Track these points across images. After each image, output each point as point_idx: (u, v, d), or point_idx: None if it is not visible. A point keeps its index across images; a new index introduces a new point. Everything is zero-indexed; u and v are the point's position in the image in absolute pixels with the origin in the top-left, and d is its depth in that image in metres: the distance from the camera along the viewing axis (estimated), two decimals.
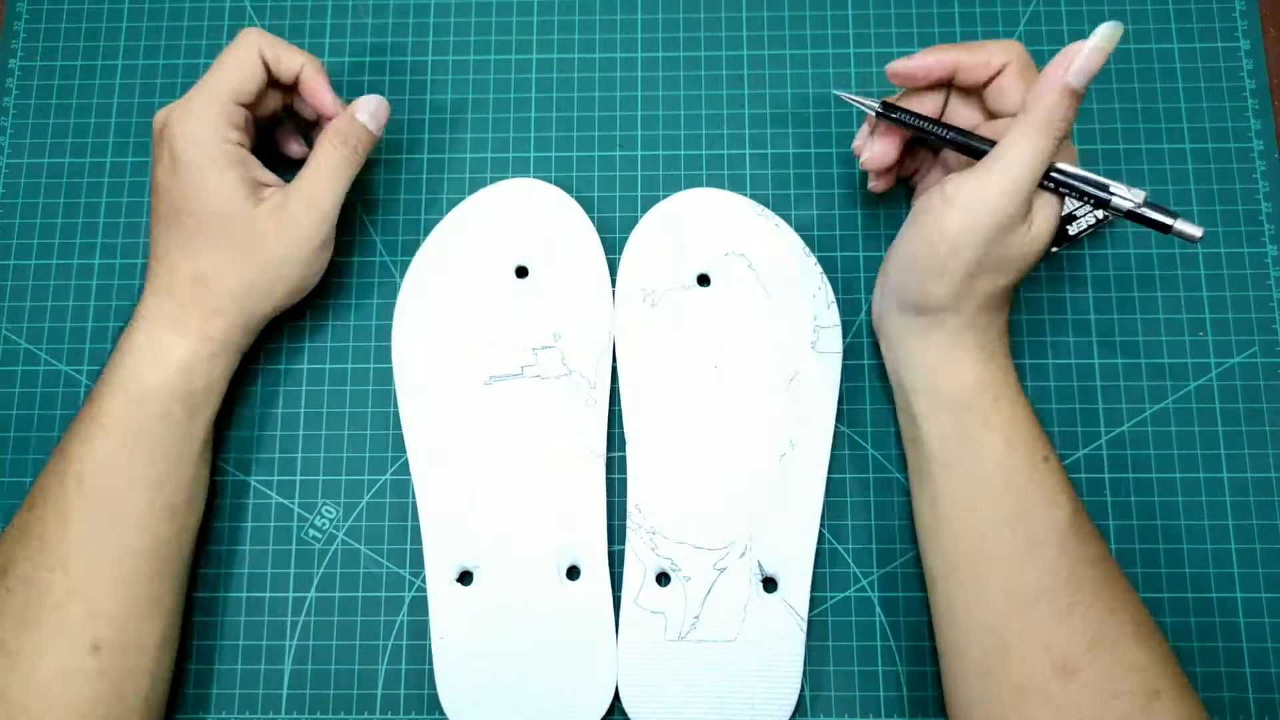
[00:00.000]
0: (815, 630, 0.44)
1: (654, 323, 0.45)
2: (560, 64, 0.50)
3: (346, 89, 0.50)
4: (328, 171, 0.42)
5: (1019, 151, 0.37)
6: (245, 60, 0.42)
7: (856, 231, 0.48)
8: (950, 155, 0.43)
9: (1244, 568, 0.44)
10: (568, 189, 0.47)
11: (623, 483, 0.45)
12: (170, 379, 0.40)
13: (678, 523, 0.43)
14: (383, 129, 0.44)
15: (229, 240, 0.41)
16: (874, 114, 0.42)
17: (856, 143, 0.44)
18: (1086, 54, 0.36)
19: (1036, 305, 0.47)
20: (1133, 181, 0.48)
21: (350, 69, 0.50)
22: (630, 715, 0.42)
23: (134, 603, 0.39)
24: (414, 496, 0.44)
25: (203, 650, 0.44)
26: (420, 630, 0.44)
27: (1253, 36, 0.50)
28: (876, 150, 0.43)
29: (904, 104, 0.42)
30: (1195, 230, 0.37)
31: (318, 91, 0.44)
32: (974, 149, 0.40)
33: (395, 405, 0.45)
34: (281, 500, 0.46)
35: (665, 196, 0.47)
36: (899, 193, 0.48)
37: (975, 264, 0.38)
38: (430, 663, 0.43)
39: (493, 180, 0.48)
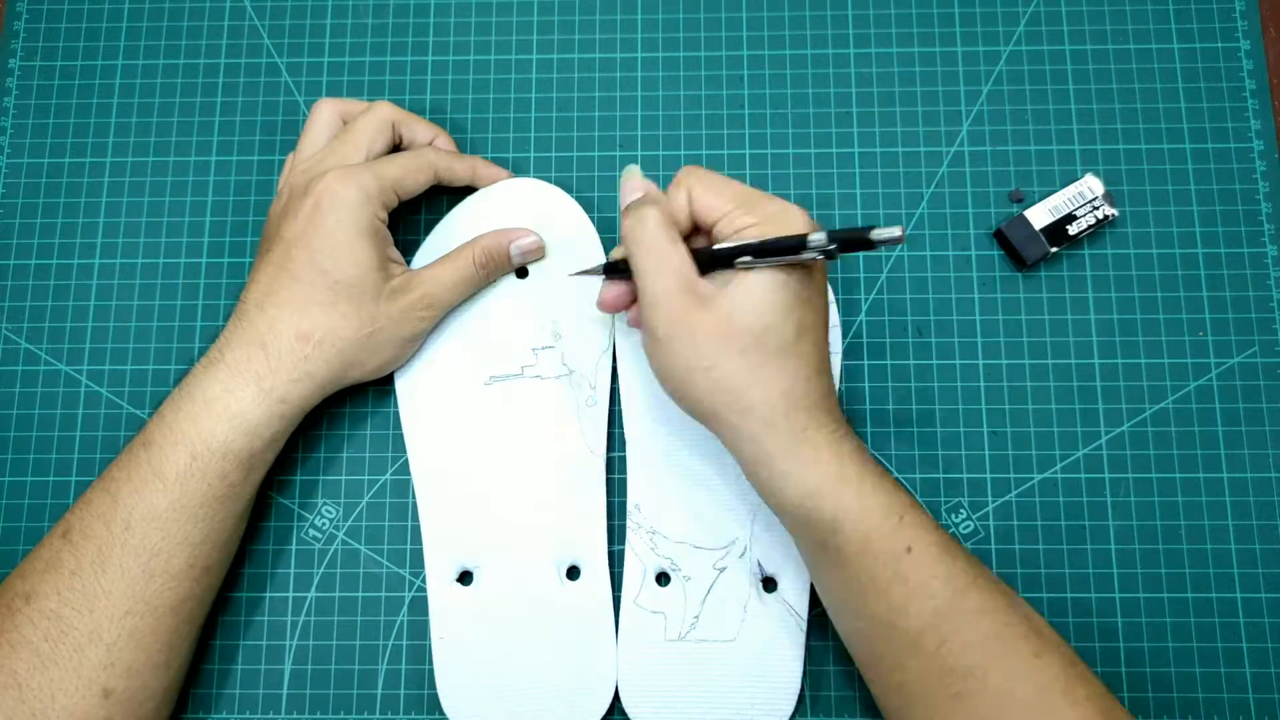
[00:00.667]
0: (815, 630, 0.44)
1: None
2: (560, 64, 0.50)
3: (346, 89, 0.50)
4: (457, 282, 0.44)
5: (637, 280, 0.38)
6: (420, 173, 0.44)
7: None
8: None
9: (1244, 568, 0.44)
10: (568, 189, 0.47)
11: (623, 483, 0.45)
12: (237, 440, 0.39)
13: (678, 522, 0.43)
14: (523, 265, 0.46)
15: (350, 309, 0.41)
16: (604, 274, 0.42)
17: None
18: (621, 189, 0.40)
19: (1036, 305, 0.47)
20: (1133, 181, 0.48)
21: (350, 69, 0.50)
22: (630, 715, 0.42)
23: (150, 656, 0.39)
24: (414, 496, 0.44)
25: (203, 650, 0.44)
26: (420, 630, 0.44)
27: (1253, 36, 0.50)
28: (608, 296, 0.42)
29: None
30: (894, 230, 0.34)
31: (493, 176, 0.47)
32: (780, 250, 0.36)
33: (395, 405, 0.45)
34: (281, 500, 0.46)
35: None
36: (901, 192, 0.48)
37: (698, 371, 0.36)
38: (430, 663, 0.43)
39: None
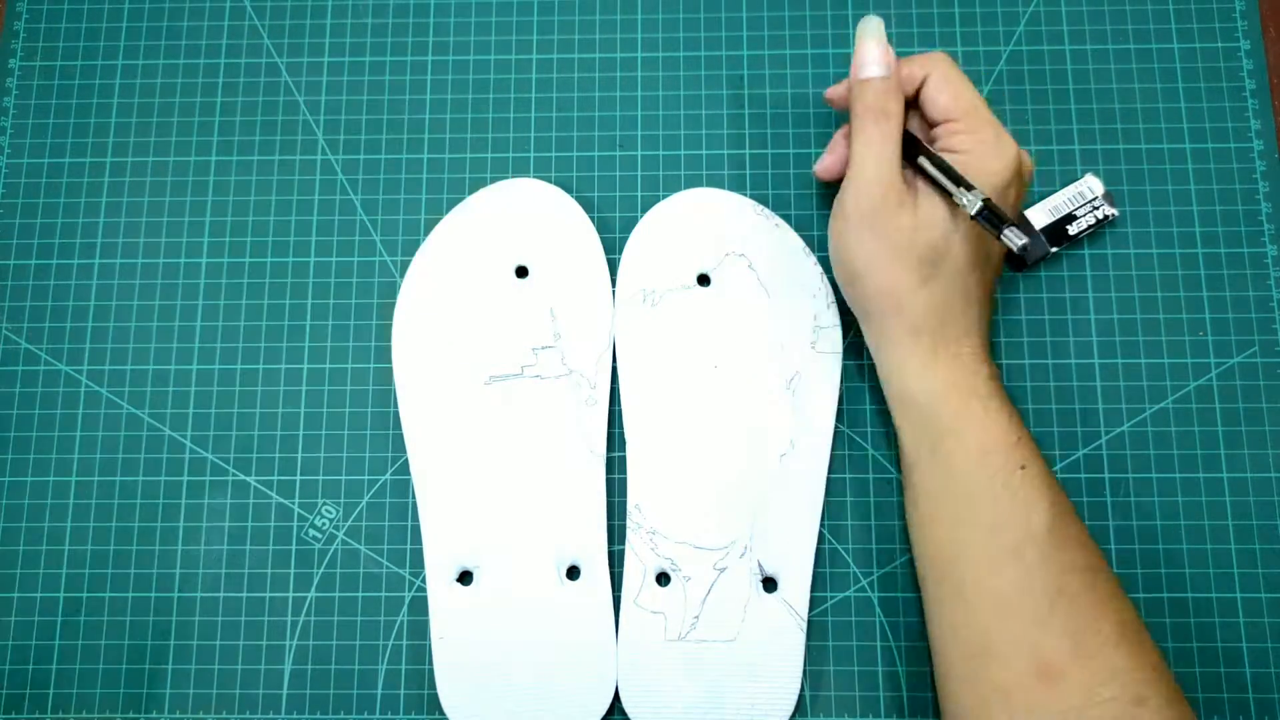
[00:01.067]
0: (815, 630, 0.44)
1: (654, 323, 0.45)
2: (560, 64, 0.50)
3: (346, 89, 0.50)
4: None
5: (851, 150, 0.40)
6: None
7: None
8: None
9: (1244, 568, 0.44)
10: (568, 189, 0.47)
11: (623, 483, 0.45)
12: None
13: (678, 523, 0.43)
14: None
15: None
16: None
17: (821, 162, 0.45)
18: (858, 48, 0.41)
19: (1037, 305, 0.47)
20: (1133, 181, 0.48)
21: (350, 69, 0.50)
22: (630, 715, 0.42)
23: None
24: (414, 496, 0.44)
25: (203, 650, 0.44)
26: (420, 630, 0.44)
27: (1253, 36, 0.50)
28: (829, 162, 0.44)
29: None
30: (1018, 239, 0.37)
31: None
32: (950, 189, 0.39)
33: (395, 405, 0.45)
34: (281, 500, 0.46)
35: (665, 196, 0.47)
36: None
37: (872, 265, 0.39)
38: (430, 663, 0.43)
39: (493, 180, 0.48)
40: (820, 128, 0.49)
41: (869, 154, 0.40)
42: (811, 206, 0.48)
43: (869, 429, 0.46)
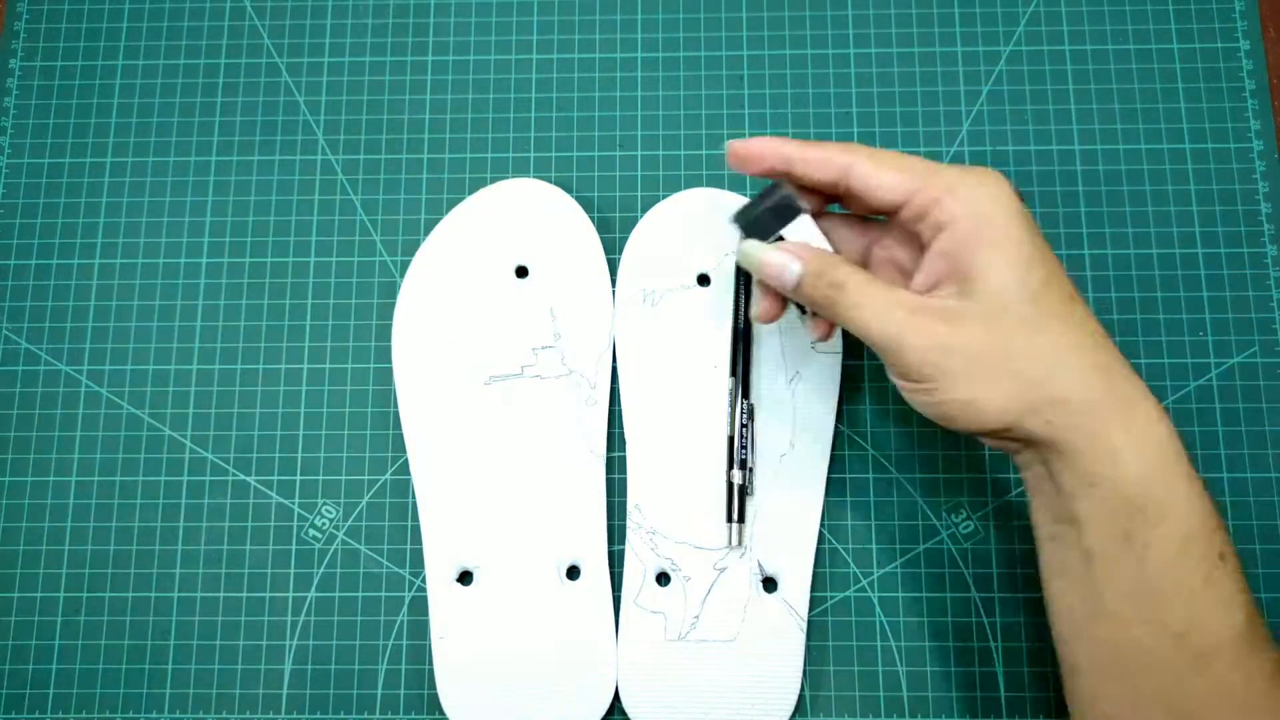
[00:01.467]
0: (815, 630, 0.44)
1: (654, 323, 0.45)
2: (560, 64, 0.50)
3: (347, 89, 0.50)
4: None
5: (876, 330, 0.34)
6: None
7: None
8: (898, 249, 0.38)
9: (1244, 568, 0.44)
10: (568, 189, 0.47)
11: (623, 483, 0.45)
12: None
13: (678, 523, 0.43)
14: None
15: None
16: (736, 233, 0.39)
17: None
18: (760, 268, 0.37)
19: None
20: (1133, 182, 0.48)
21: (350, 69, 0.50)
22: (630, 715, 0.42)
23: None
24: (414, 496, 0.44)
25: (203, 650, 0.44)
26: (420, 630, 0.44)
27: (1253, 36, 0.50)
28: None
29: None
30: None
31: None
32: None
33: (395, 405, 0.45)
34: (281, 500, 0.46)
35: (665, 196, 0.47)
36: None
37: (1051, 357, 0.33)
38: (430, 663, 0.43)
39: (493, 180, 0.48)
40: (819, 128, 0.49)
41: (873, 318, 0.34)
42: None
43: (869, 429, 0.46)
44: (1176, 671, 0.32)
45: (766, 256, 0.37)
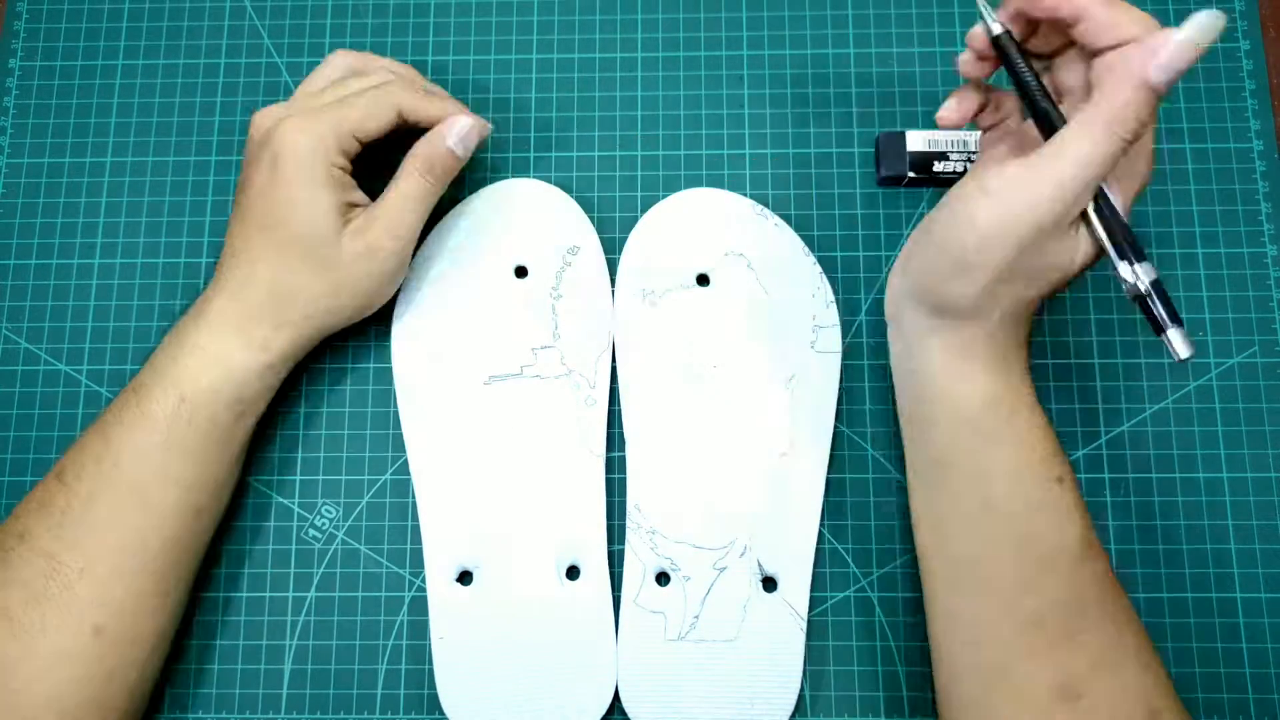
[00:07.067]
0: (815, 630, 0.44)
1: (654, 323, 0.45)
2: (560, 64, 0.50)
3: None
4: (409, 200, 0.42)
5: (1075, 150, 0.32)
6: (382, 114, 0.42)
7: (856, 231, 0.48)
8: (1027, 136, 0.37)
9: (1244, 568, 0.44)
10: (568, 189, 0.47)
11: (623, 482, 0.45)
12: (224, 385, 0.40)
13: (677, 522, 0.43)
14: (471, 152, 0.43)
15: (312, 257, 0.41)
16: (989, 35, 0.36)
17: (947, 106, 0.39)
18: (1174, 48, 0.31)
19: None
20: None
21: None
22: (630, 715, 0.42)
23: (141, 595, 0.39)
24: (414, 496, 0.44)
25: (203, 650, 0.44)
26: (420, 630, 0.44)
27: (1253, 36, 0.50)
28: (951, 108, 0.38)
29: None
30: (1184, 349, 0.33)
31: (467, 119, 0.43)
32: (1048, 128, 0.34)
33: (395, 405, 0.45)
34: (281, 500, 0.46)
35: (665, 196, 0.47)
36: (900, 191, 0.48)
37: (1004, 267, 0.34)
38: (430, 663, 0.43)
39: (493, 180, 0.48)
40: (820, 127, 0.49)
41: (1080, 157, 0.32)
42: (811, 206, 0.48)
43: (869, 429, 0.46)
44: (1017, 582, 0.36)
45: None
